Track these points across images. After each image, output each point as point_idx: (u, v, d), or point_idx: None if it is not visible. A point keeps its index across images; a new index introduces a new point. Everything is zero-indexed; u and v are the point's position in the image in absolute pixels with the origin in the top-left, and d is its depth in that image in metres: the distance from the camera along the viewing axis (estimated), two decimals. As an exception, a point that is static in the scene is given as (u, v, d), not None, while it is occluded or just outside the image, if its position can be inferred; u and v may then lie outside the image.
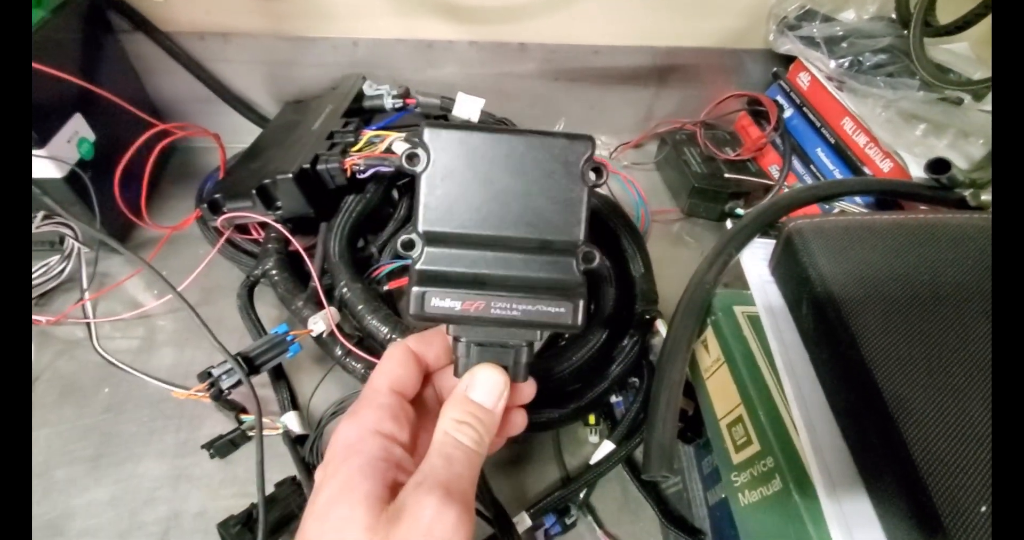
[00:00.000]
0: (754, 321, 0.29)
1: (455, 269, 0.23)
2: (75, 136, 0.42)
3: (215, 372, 0.32)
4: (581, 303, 0.23)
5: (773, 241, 0.30)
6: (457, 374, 0.24)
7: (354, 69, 0.55)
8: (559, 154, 0.24)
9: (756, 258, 0.31)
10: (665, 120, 0.62)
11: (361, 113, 0.51)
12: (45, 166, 0.40)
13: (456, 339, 0.24)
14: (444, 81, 0.56)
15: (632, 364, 0.37)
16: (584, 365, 0.35)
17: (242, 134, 0.54)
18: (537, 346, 0.27)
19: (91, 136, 0.44)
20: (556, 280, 0.23)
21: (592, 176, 0.23)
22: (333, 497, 0.19)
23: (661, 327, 0.37)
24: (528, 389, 0.25)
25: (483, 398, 0.22)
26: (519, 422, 0.26)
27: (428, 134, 0.23)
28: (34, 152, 0.39)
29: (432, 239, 0.23)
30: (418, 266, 0.23)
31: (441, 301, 0.22)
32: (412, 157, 0.23)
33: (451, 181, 0.23)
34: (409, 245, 0.23)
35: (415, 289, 0.22)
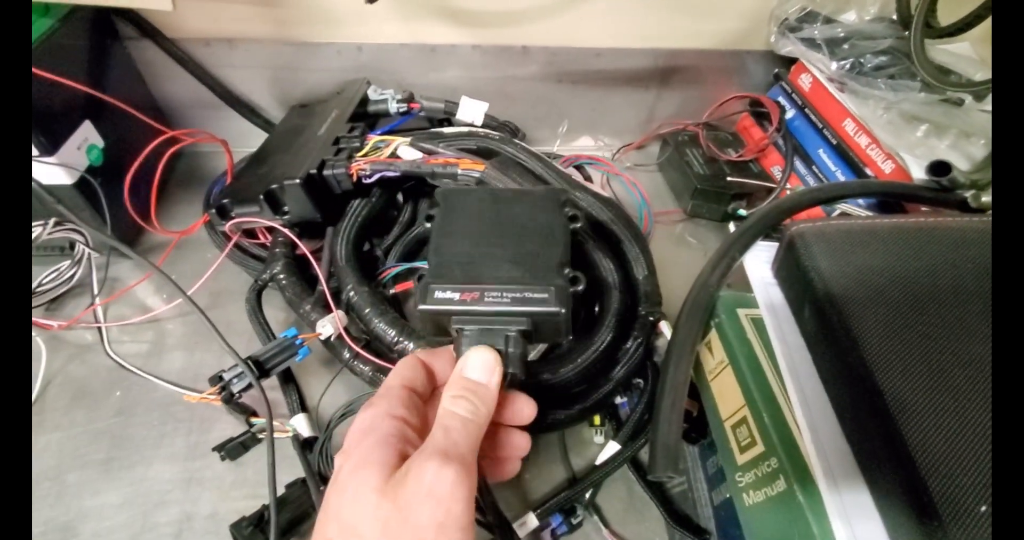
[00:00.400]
0: (757, 323, 0.30)
1: (456, 272, 0.27)
2: (84, 143, 0.43)
3: (226, 376, 0.32)
4: (560, 288, 0.26)
5: (776, 244, 0.31)
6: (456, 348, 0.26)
7: (358, 74, 0.55)
8: (540, 199, 0.31)
9: (759, 260, 0.32)
10: (667, 121, 0.62)
11: (366, 117, 0.52)
12: (55, 173, 0.40)
13: (458, 332, 0.26)
14: (447, 85, 0.57)
15: (637, 365, 0.37)
16: (589, 367, 0.36)
17: (248, 138, 0.55)
18: (534, 350, 0.28)
19: (100, 142, 0.44)
20: (541, 276, 0.27)
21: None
22: (350, 470, 0.21)
23: (665, 329, 0.37)
24: (528, 410, 0.27)
25: (476, 374, 0.24)
26: (523, 444, 0.27)
27: (439, 195, 0.31)
28: (44, 159, 0.39)
29: (441, 260, 0.28)
30: (427, 273, 0.28)
31: (443, 293, 0.26)
32: (429, 217, 0.31)
33: (456, 222, 0.30)
34: (420, 277, 0.28)
35: (422, 283, 0.27)
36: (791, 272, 0.28)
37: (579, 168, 0.59)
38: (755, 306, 0.30)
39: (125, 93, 0.44)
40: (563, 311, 0.26)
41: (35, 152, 0.39)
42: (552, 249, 0.28)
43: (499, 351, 0.25)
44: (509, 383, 0.26)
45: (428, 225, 0.30)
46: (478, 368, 0.24)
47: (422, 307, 0.26)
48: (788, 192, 0.54)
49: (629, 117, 0.64)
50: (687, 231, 0.56)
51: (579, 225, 0.30)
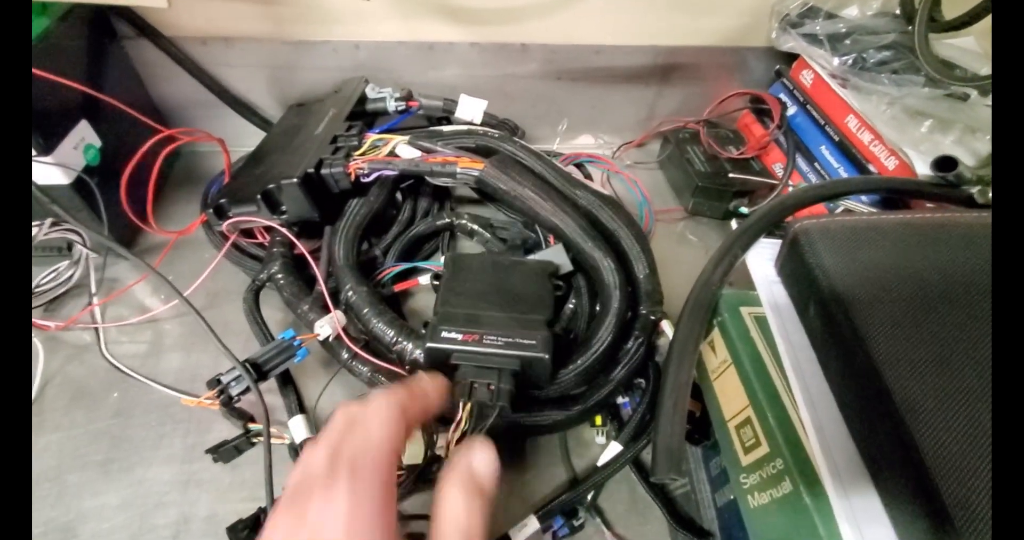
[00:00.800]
0: (761, 322, 0.29)
1: (460, 320, 0.33)
2: (81, 142, 0.42)
3: (224, 379, 0.32)
4: (546, 338, 0.32)
5: (779, 241, 0.30)
6: (455, 396, 0.30)
7: (356, 72, 0.55)
8: (532, 270, 0.39)
9: (762, 258, 0.31)
10: (668, 119, 0.62)
11: (364, 116, 0.51)
12: (52, 172, 0.40)
13: (457, 367, 0.31)
14: (446, 83, 0.56)
15: (638, 365, 0.37)
16: (590, 367, 0.35)
17: (245, 138, 0.54)
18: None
19: (97, 142, 0.44)
20: (530, 328, 0.33)
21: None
22: (368, 515, 0.18)
23: (667, 328, 0.37)
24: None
25: (483, 469, 0.22)
26: None
27: (447, 258, 0.40)
28: (41, 159, 0.39)
29: (447, 310, 0.34)
30: (435, 319, 0.33)
31: (448, 333, 0.32)
32: (437, 276, 0.39)
33: (462, 282, 0.37)
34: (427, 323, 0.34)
35: (431, 326, 0.33)
36: (795, 269, 0.28)
37: (579, 166, 0.58)
38: (758, 304, 0.30)
39: (122, 92, 0.44)
40: (547, 356, 0.31)
41: (32, 152, 0.38)
42: (541, 310, 0.35)
43: (490, 385, 0.30)
44: (498, 415, 0.29)
45: (436, 283, 0.39)
46: (485, 463, 0.22)
47: (430, 344, 0.32)
48: (790, 189, 0.53)
49: (629, 115, 0.63)
50: (688, 229, 0.56)
51: (561, 293, 0.39)
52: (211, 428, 0.37)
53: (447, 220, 0.49)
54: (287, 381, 0.38)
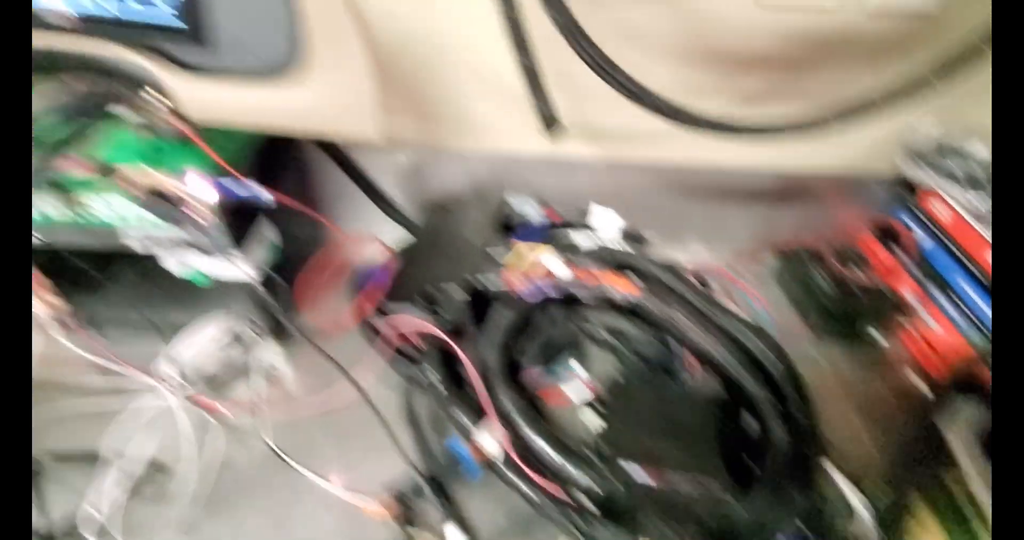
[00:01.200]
0: (972, 496, 0.28)
1: (634, 449, 0.34)
2: (264, 240, 0.47)
3: (409, 495, 0.33)
4: (730, 482, 0.32)
5: (981, 408, 0.30)
6: (641, 532, 0.31)
7: (494, 179, 0.60)
8: (697, 393, 0.40)
9: (962, 428, 0.30)
10: (787, 236, 0.63)
11: (507, 224, 0.55)
12: (237, 269, 0.44)
13: (639, 505, 0.31)
14: (578, 193, 0.60)
15: (805, 517, 0.35)
16: (753, 516, 0.34)
17: (374, 225, 0.59)
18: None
19: (276, 239, 0.49)
20: (706, 461, 0.34)
21: None
22: None
23: (834, 474, 0.36)
24: None
25: None
26: None
27: (607, 386, 0.42)
28: (233, 255, 0.44)
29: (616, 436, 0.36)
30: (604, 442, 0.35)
31: (630, 467, 0.33)
32: (602, 401, 0.41)
33: (626, 406, 0.39)
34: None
35: (611, 458, 0.34)
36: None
37: (700, 280, 0.60)
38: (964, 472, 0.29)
39: (299, 194, 0.49)
40: (739, 506, 0.31)
41: (231, 247, 0.43)
42: (711, 444, 0.35)
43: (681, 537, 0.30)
44: None
45: (598, 408, 0.41)
46: None
47: (615, 481, 0.33)
48: (927, 320, 0.53)
49: (747, 230, 0.65)
50: (816, 351, 0.55)
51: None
52: (369, 529, 0.37)
53: (582, 328, 0.50)
54: (447, 495, 0.38)
